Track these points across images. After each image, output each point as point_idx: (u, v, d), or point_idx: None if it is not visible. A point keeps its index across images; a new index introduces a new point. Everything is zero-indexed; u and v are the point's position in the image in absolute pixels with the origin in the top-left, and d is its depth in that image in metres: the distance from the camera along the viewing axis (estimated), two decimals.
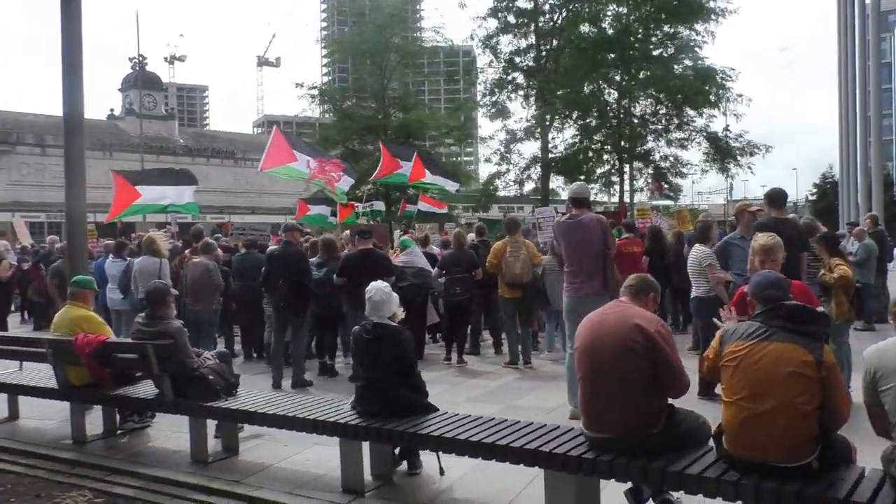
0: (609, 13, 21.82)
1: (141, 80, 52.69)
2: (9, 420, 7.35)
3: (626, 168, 25.68)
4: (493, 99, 21.94)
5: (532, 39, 21.66)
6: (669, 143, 25.61)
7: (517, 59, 21.63)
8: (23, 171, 48.94)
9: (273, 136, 14.62)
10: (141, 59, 47.36)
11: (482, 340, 11.12)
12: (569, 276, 6.67)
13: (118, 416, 6.71)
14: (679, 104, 24.13)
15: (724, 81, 22.13)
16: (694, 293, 7.97)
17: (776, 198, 6.98)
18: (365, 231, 9.75)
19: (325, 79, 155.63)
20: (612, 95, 24.96)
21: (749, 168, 26.44)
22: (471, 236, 13.49)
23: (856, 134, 44.60)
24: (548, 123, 21.44)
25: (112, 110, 59.25)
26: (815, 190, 71.37)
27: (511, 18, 21.69)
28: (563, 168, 21.83)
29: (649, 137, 25.36)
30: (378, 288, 5.21)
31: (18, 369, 7.41)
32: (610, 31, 21.26)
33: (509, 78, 21.74)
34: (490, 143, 23.33)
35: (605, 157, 25.21)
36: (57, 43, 7.70)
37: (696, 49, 23.90)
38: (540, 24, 21.30)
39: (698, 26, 23.55)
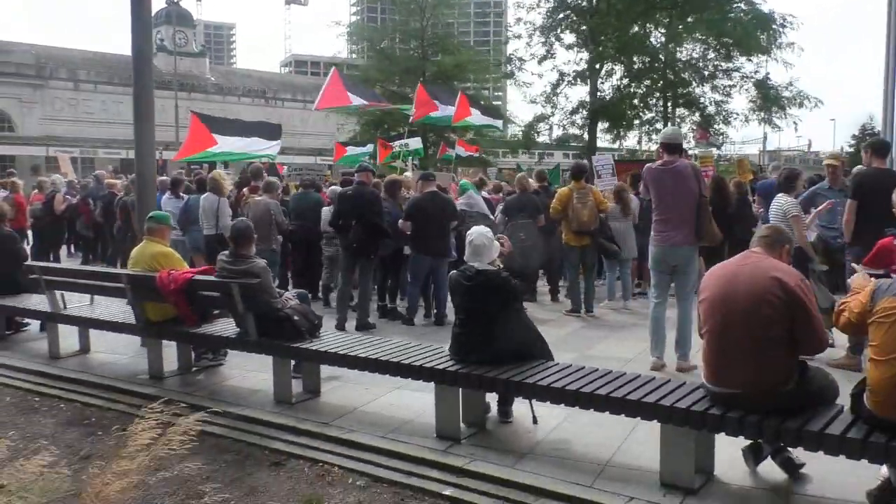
0: None
1: (175, 16, 52.20)
2: (81, 353, 7.34)
3: (671, 115, 25.08)
4: (543, 40, 21.31)
5: None
6: (715, 88, 24.92)
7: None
8: (56, 106, 48.93)
9: (330, 78, 14.42)
10: None
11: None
12: (659, 225, 6.42)
13: (192, 354, 6.67)
14: (729, 49, 23.37)
15: (783, 28, 21.33)
16: None
17: (879, 147, 6.66)
18: (429, 174, 9.52)
19: (354, 18, 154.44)
20: (659, 39, 24.21)
21: (795, 121, 25.71)
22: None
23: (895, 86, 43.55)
24: (598, 67, 20.83)
25: None
26: (853, 142, 70.07)
27: None
28: (608, 114, 21.26)
29: (695, 83, 24.66)
30: (480, 233, 5.02)
31: (90, 303, 7.35)
32: None
33: (561, 16, 21.03)
34: (529, 87, 22.76)
35: (651, 102, 24.57)
36: None
37: None
38: None
39: None
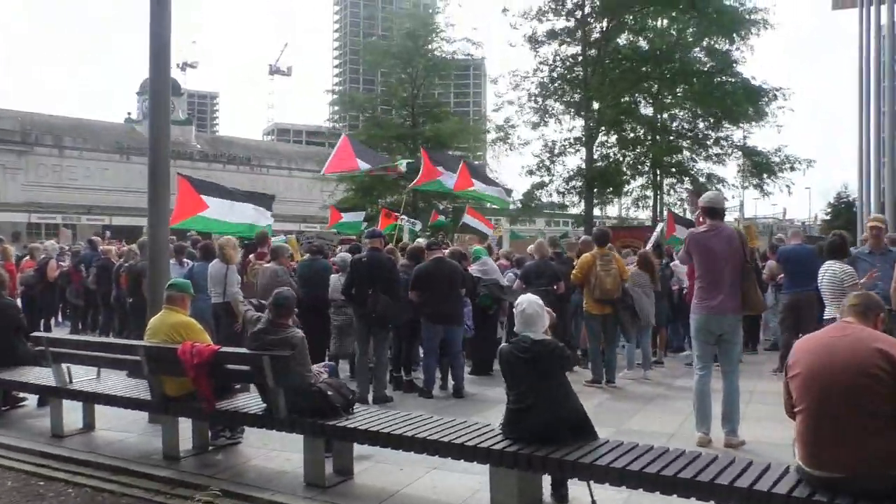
0: (650, 25, 21.40)
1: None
2: (85, 431, 6.86)
3: (660, 183, 25.19)
4: (537, 106, 21.49)
5: (577, 48, 21.21)
6: (707, 158, 25.11)
7: (560, 69, 21.17)
8: (40, 172, 48.55)
9: (340, 143, 14.34)
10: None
11: None
12: (703, 292, 6.16)
13: (210, 431, 6.24)
14: (718, 118, 23.65)
15: (775, 100, 21.69)
16: (832, 314, 7.35)
17: None
18: (434, 242, 9.30)
19: (338, 88, 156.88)
20: (647, 108, 24.48)
21: (788, 185, 25.92)
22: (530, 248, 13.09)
23: (870, 155, 44.62)
24: (594, 135, 20.99)
25: (129, 114, 59.05)
26: (829, 209, 71.43)
27: (558, 24, 21.30)
28: (605, 181, 21.33)
29: (685, 151, 24.86)
30: (531, 301, 4.75)
31: (96, 377, 6.90)
32: (654, 45, 20.86)
33: (554, 87, 21.26)
34: (524, 146, 22.77)
35: (643, 170, 24.72)
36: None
37: (736, 63, 23.44)
38: (586, 31, 20.86)
39: (737, 38, 23.09)
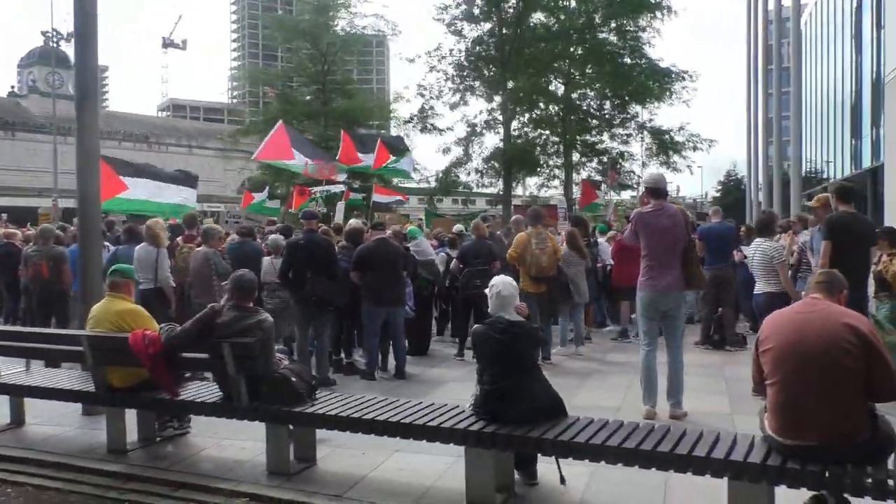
0: (563, 5, 21.74)
1: (54, 57, 49.54)
2: (13, 426, 6.47)
3: (570, 162, 25.73)
4: (455, 86, 21.49)
5: (491, 25, 21.27)
6: (613, 137, 25.80)
7: (478, 48, 21.22)
8: None
9: (276, 130, 13.91)
10: (55, 33, 44.23)
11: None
12: (650, 270, 6.35)
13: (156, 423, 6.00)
14: (623, 99, 24.28)
15: (681, 81, 22.46)
16: (763, 289, 7.73)
17: (846, 192, 6.90)
18: (378, 223, 9.21)
19: (236, 63, 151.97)
20: (559, 88, 24.89)
21: (690, 164, 26.95)
22: (457, 227, 13.15)
23: (757, 135, 47.15)
24: (510, 114, 21.20)
25: (13, 87, 55.55)
26: (720, 187, 74.86)
27: (475, 7, 21.28)
28: (523, 161, 21.61)
29: (594, 130, 25.44)
30: (505, 283, 4.78)
31: (25, 369, 6.50)
32: (566, 24, 21.22)
33: (470, 65, 21.27)
34: (443, 133, 22.80)
35: (551, 150, 25.16)
36: None
37: (645, 45, 24.13)
38: (501, 10, 20.96)
39: (643, 22, 23.73)
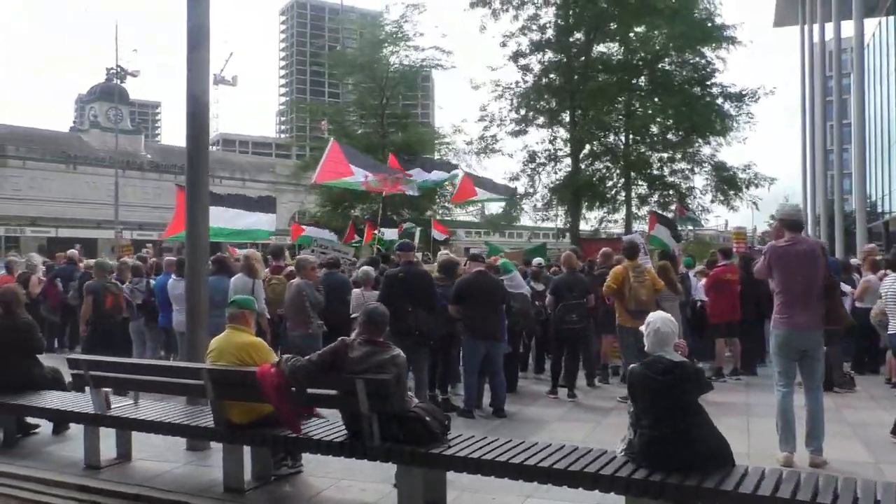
0: (633, 34, 21.50)
1: (117, 94, 50.97)
2: (121, 461, 6.31)
3: (633, 194, 25.30)
4: (518, 116, 21.31)
5: (560, 56, 21.12)
6: (673, 172, 25.33)
7: (545, 80, 21.06)
8: None
9: (329, 149, 13.76)
10: (119, 69, 45.49)
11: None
12: (786, 308, 5.99)
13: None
14: (688, 132, 23.85)
15: (755, 99, 22.04)
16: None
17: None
18: (478, 255, 8.97)
19: (284, 99, 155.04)
20: (619, 121, 24.56)
21: (755, 201, 26.42)
22: (537, 260, 12.82)
23: (814, 166, 46.32)
24: (580, 144, 20.97)
25: (74, 122, 57.21)
26: (772, 220, 73.63)
27: (539, 36, 21.16)
28: (591, 193, 21.29)
29: (655, 164, 25.02)
30: (664, 319, 4.49)
31: (133, 402, 6.35)
32: (637, 53, 20.98)
33: (536, 94, 21.08)
34: (506, 159, 22.59)
35: (614, 182, 24.78)
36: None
37: (716, 73, 23.69)
38: (571, 41, 20.83)
39: (710, 52, 23.38)
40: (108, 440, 6.33)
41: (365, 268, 9.49)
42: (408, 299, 7.75)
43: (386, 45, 28.60)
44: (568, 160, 21.57)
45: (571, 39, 20.85)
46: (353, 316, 9.25)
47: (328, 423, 5.41)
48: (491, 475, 4.58)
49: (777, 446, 6.11)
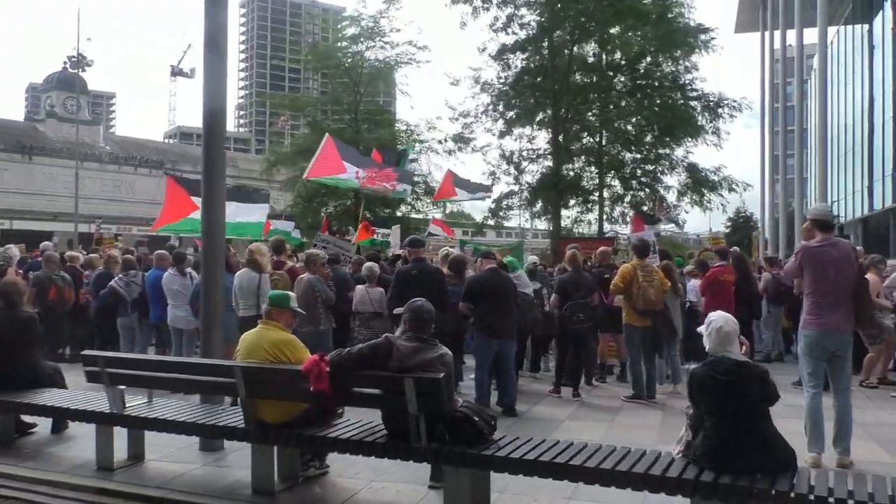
0: (615, 34, 21.56)
1: (67, 81, 49.57)
2: (135, 462, 6.05)
3: (605, 193, 25.36)
4: (497, 114, 21.19)
5: (544, 55, 21.04)
6: (645, 173, 25.44)
7: (526, 78, 20.99)
8: None
9: (324, 145, 13.46)
10: (81, 57, 44.13)
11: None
12: (817, 308, 5.99)
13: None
14: (662, 134, 23.97)
15: (735, 110, 22.28)
16: None
17: None
18: (489, 252, 8.86)
19: (243, 93, 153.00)
20: (596, 117, 24.51)
21: (724, 204, 26.72)
22: (532, 258, 12.76)
23: (764, 172, 47.52)
24: (560, 145, 20.95)
25: (28, 111, 55.47)
26: (729, 224, 74.91)
27: (522, 34, 21.11)
28: (572, 192, 21.30)
29: (629, 164, 25.10)
30: (725, 317, 4.42)
31: (148, 401, 6.08)
32: (621, 53, 21.06)
33: (517, 92, 20.99)
34: (485, 153, 22.39)
35: (589, 182, 24.83)
36: None
37: (695, 77, 23.83)
38: (553, 40, 20.79)
39: (688, 57, 23.52)
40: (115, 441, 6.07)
41: (369, 264, 9.30)
42: (421, 297, 7.56)
43: (361, 40, 28.27)
44: (545, 160, 21.56)
45: (555, 37, 20.81)
46: (356, 312, 9.11)
47: (352, 423, 5.25)
48: (548, 477, 4.46)
49: (805, 447, 6.11)
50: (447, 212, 27.14)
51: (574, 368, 9.25)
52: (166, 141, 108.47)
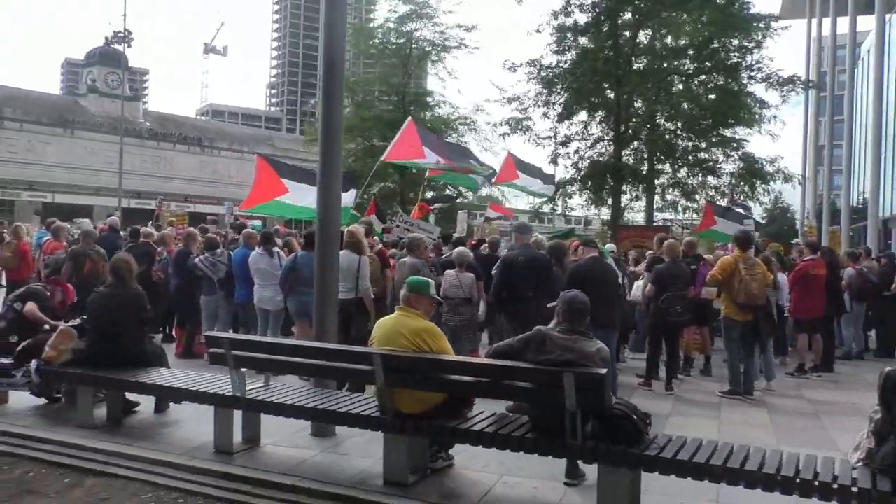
0: (682, 19, 21.02)
1: (108, 56, 49.90)
2: (251, 446, 5.92)
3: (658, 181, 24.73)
4: (554, 100, 20.77)
5: (602, 41, 20.59)
6: (698, 162, 24.77)
7: (585, 64, 20.48)
8: None
9: (405, 128, 13.30)
10: (127, 33, 44.23)
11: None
12: None
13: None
14: (717, 121, 23.29)
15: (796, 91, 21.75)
16: None
17: None
18: (591, 240, 8.61)
19: (275, 72, 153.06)
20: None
21: (778, 195, 25.92)
22: (609, 246, 12.46)
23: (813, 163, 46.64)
24: (624, 132, 20.53)
25: (65, 86, 55.82)
26: (765, 214, 73.91)
27: (582, 17, 20.68)
28: (638, 176, 20.90)
29: (681, 151, 24.46)
30: None
31: (264, 384, 5.94)
32: (690, 38, 20.53)
33: (574, 79, 20.53)
34: (541, 141, 21.98)
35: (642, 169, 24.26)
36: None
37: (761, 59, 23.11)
38: (617, 24, 20.33)
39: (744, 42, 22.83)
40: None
41: (461, 248, 9.09)
42: (528, 285, 7.38)
43: (413, 18, 27.95)
44: (604, 145, 21.09)
45: (618, 21, 20.33)
46: (444, 297, 8.91)
47: (485, 415, 5.08)
48: (721, 482, 4.25)
49: None
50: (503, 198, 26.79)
51: (670, 362, 8.99)
52: (200, 118, 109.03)
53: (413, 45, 28.66)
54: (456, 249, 9.22)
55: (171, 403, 6.89)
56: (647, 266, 9.99)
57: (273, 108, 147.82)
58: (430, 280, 5.51)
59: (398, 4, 28.28)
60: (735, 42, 21.64)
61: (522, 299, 7.41)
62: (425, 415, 5.00)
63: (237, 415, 5.93)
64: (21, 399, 7.11)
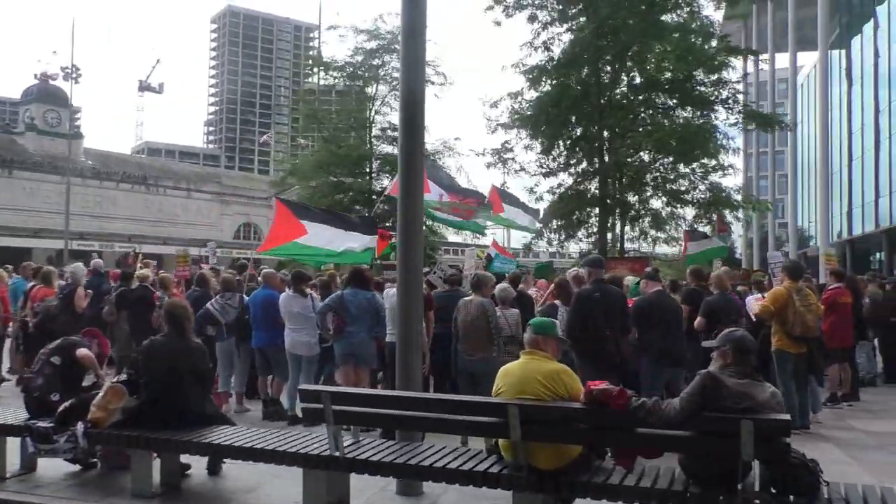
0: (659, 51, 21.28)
1: (47, 94, 48.27)
2: None
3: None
4: (533, 133, 20.71)
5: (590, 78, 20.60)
6: (667, 193, 24.88)
7: (564, 100, 20.48)
8: None
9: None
10: (74, 69, 42.68)
11: None
12: None
13: None
14: (679, 154, 23.47)
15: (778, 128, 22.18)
16: None
17: None
18: (653, 274, 8.30)
19: (213, 109, 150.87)
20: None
21: (748, 220, 26.38)
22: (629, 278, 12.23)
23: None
24: (608, 165, 20.53)
25: (8, 123, 53.77)
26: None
27: (558, 52, 20.72)
28: (622, 209, 20.91)
29: (648, 187, 24.57)
30: None
31: (354, 440, 5.39)
32: (672, 72, 20.77)
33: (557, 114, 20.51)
34: (522, 172, 21.88)
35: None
36: None
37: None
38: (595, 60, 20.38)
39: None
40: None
41: (503, 284, 8.68)
42: (605, 323, 7.04)
43: (378, 55, 27.60)
44: (587, 180, 21.13)
45: (600, 62, 20.44)
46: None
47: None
48: None
49: None
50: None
51: None
52: (138, 156, 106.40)
53: (378, 82, 28.33)
54: (499, 286, 8.81)
55: (223, 464, 6.29)
56: (682, 299, 9.75)
57: (211, 146, 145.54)
58: (554, 321, 5.10)
59: (365, 41, 27.84)
60: (713, 76, 22.00)
61: (599, 338, 7.05)
62: (561, 470, 4.56)
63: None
64: (50, 466, 6.39)
